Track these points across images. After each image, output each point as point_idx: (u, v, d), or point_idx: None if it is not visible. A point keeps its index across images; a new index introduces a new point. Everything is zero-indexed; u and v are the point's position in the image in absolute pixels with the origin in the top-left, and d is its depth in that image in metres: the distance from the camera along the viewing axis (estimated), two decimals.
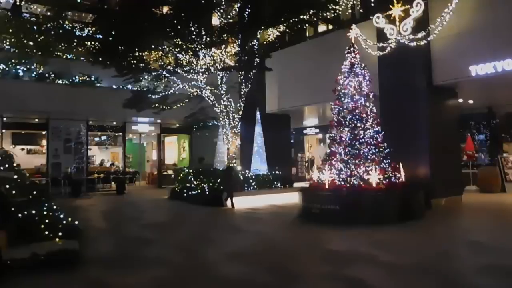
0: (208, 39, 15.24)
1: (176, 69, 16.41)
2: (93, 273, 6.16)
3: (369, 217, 9.52)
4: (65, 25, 17.64)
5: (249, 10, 15.39)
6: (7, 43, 17.52)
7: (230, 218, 11.87)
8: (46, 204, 7.38)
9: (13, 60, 18.17)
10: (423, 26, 11.87)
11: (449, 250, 7.40)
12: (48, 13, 18.11)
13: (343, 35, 12.23)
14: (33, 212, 6.86)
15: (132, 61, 15.95)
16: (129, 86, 18.66)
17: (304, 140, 25.46)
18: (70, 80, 19.32)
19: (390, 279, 5.59)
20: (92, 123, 20.62)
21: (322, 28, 19.63)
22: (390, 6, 12.27)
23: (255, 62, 16.37)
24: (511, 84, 12.58)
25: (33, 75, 18.94)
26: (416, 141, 12.25)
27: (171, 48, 16.31)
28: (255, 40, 16.26)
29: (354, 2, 15.69)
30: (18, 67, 18.41)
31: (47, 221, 6.77)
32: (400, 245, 7.72)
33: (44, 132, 19.97)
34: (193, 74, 16.32)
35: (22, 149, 20.87)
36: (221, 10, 15.84)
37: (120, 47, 15.73)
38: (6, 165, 7.92)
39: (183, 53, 15.95)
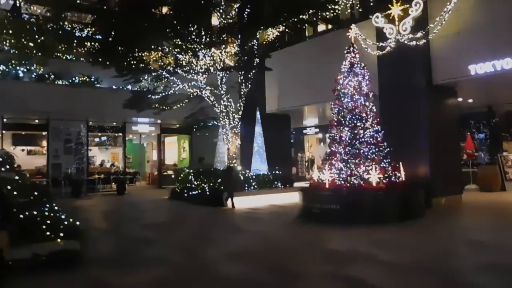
0: (208, 39, 15.26)
1: (176, 70, 16.43)
2: (94, 273, 6.18)
3: (369, 217, 9.54)
4: (64, 26, 17.67)
5: (249, 10, 15.41)
6: (7, 44, 17.55)
7: (231, 218, 11.89)
8: (47, 205, 7.40)
9: (13, 61, 18.20)
10: (422, 25, 11.89)
11: (449, 249, 7.42)
12: (48, 14, 18.14)
13: (343, 35, 12.24)
14: (35, 212, 6.89)
15: (132, 62, 15.97)
16: (129, 87, 18.69)
17: (304, 140, 25.48)
18: (70, 80, 19.35)
19: (391, 278, 5.61)
20: (92, 123, 20.62)
21: (321, 28, 19.65)
22: (389, 5, 12.29)
23: (255, 62, 16.39)
24: (510, 83, 12.61)
25: (33, 76, 18.97)
26: (416, 140, 12.27)
27: (170, 48, 16.34)
28: (254, 40, 16.28)
29: (354, 1, 15.72)
30: (18, 68, 18.43)
31: (48, 221, 6.79)
32: (400, 244, 7.74)
33: (44, 133, 19.99)
34: (193, 74, 16.35)
35: (23, 150, 20.89)
36: (221, 10, 15.87)
37: (119, 48, 15.76)
38: (7, 166, 7.94)
39: (182, 53, 15.98)
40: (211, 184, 14.71)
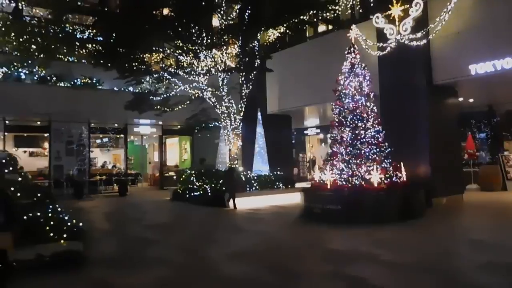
0: (209, 40, 15.30)
1: (177, 71, 16.48)
2: (97, 274, 6.24)
3: (371, 217, 9.57)
4: (66, 28, 17.73)
5: (249, 11, 15.44)
6: (9, 46, 17.62)
7: (232, 218, 11.93)
8: (50, 206, 7.44)
9: (15, 63, 18.27)
10: (422, 25, 11.93)
11: (450, 248, 7.45)
12: (49, 16, 18.20)
13: (343, 35, 12.29)
14: (38, 214, 6.93)
15: (134, 63, 16.02)
16: (131, 88, 18.75)
17: (305, 141, 25.51)
18: (72, 82, 19.41)
19: (392, 277, 5.64)
20: (94, 125, 20.68)
21: (322, 28, 19.68)
22: (390, 6, 12.33)
23: (256, 63, 16.44)
24: (511, 82, 12.63)
25: (35, 77, 19.04)
26: (416, 140, 12.30)
27: (172, 49, 16.38)
28: (255, 41, 16.33)
29: (354, 2, 15.75)
30: (20, 70, 18.51)
31: (51, 222, 6.82)
32: (401, 243, 7.77)
33: (46, 135, 20.04)
34: (194, 76, 16.39)
35: (25, 151, 20.92)
36: (222, 12, 15.90)
37: (121, 49, 15.81)
38: (11, 168, 7.99)
39: (184, 54, 16.02)
40: (213, 185, 14.76)
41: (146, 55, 16.41)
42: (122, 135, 22.34)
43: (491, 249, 7.01)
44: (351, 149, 10.48)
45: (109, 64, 16.39)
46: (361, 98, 10.72)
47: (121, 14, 16.50)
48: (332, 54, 13.75)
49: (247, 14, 15.57)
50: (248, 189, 14.64)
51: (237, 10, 16.20)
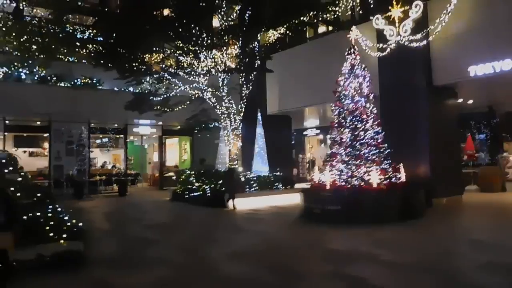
0: (209, 41, 15.32)
1: (177, 71, 16.49)
2: (98, 274, 6.25)
3: (370, 217, 9.59)
4: (66, 28, 17.73)
5: (250, 12, 15.47)
6: (9, 46, 17.62)
7: (232, 219, 11.94)
8: (50, 206, 7.45)
9: (15, 63, 18.28)
10: (422, 27, 11.96)
11: (450, 248, 7.47)
12: (50, 16, 18.21)
13: (343, 36, 12.31)
14: (38, 214, 6.94)
15: (134, 64, 16.03)
16: (131, 89, 18.75)
17: (305, 141, 25.53)
18: (72, 82, 19.42)
19: (392, 277, 5.66)
20: (94, 125, 20.68)
21: (322, 29, 19.70)
22: (390, 7, 12.36)
23: (256, 64, 16.45)
24: (510, 84, 12.65)
25: (35, 77, 19.05)
26: (416, 141, 12.33)
27: (172, 50, 16.39)
28: (255, 42, 16.35)
29: (354, 3, 15.77)
30: (20, 70, 18.52)
31: (52, 222, 6.84)
32: (401, 244, 7.79)
33: (46, 135, 20.05)
34: (194, 76, 16.41)
35: (24, 151, 20.94)
36: (222, 12, 15.92)
37: (121, 50, 15.82)
38: (11, 168, 8.00)
39: (184, 55, 16.04)
40: (212, 186, 14.76)
41: (147, 55, 16.42)
42: (122, 135, 22.35)
43: (491, 249, 7.03)
44: (350, 150, 10.51)
45: (109, 64, 16.40)
46: (360, 99, 10.74)
47: (122, 15, 16.51)
48: (332, 55, 13.78)
49: (247, 15, 15.60)
50: (247, 189, 14.65)
51: (238, 11, 16.22)
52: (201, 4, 14.65)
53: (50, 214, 7.12)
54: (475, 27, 11.37)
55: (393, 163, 10.65)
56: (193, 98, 17.29)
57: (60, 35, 17.37)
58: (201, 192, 15.06)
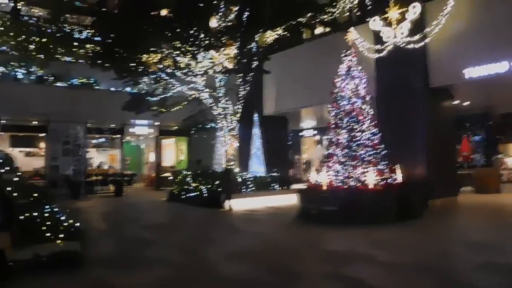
0: (207, 41, 15.32)
1: (174, 72, 16.48)
2: (95, 274, 6.25)
3: (367, 217, 9.61)
4: (64, 28, 17.70)
5: (248, 13, 15.48)
6: (7, 46, 17.56)
7: (229, 219, 11.96)
8: (47, 206, 7.44)
9: (12, 63, 18.22)
10: (419, 28, 12.02)
11: (447, 248, 7.51)
12: (48, 16, 18.17)
13: (341, 38, 12.34)
14: (35, 214, 6.93)
15: (131, 64, 16.00)
16: (128, 89, 18.70)
17: (302, 142, 25.55)
18: (69, 82, 19.37)
19: (389, 277, 5.69)
20: (91, 125, 20.62)
21: (319, 30, 19.72)
22: (387, 9, 12.41)
23: (254, 64, 16.46)
24: (505, 86, 12.74)
25: (33, 77, 18.99)
26: (413, 142, 12.37)
27: (170, 50, 16.38)
28: (253, 43, 16.35)
29: (351, 5, 15.80)
30: (17, 69, 18.45)
31: (49, 222, 6.84)
32: (398, 244, 7.83)
33: (42, 135, 19.99)
34: (191, 77, 16.40)
35: (21, 151, 20.86)
36: (220, 13, 15.93)
37: (119, 50, 15.79)
38: (7, 168, 7.97)
39: (182, 55, 16.03)
40: (209, 186, 14.76)
41: (144, 55, 16.39)
42: (118, 136, 22.30)
43: (488, 250, 7.06)
44: (347, 151, 10.55)
45: (106, 65, 16.35)
46: (357, 101, 10.79)
47: (119, 15, 16.46)
48: (329, 56, 13.77)
49: (245, 15, 15.61)
50: (244, 190, 14.66)
51: (236, 12, 16.22)
52: (199, 4, 14.64)
53: (47, 214, 7.11)
54: (471, 30, 11.43)
55: (389, 164, 10.70)
56: (190, 98, 17.28)
57: (58, 35, 17.33)
58: (197, 193, 15.06)
